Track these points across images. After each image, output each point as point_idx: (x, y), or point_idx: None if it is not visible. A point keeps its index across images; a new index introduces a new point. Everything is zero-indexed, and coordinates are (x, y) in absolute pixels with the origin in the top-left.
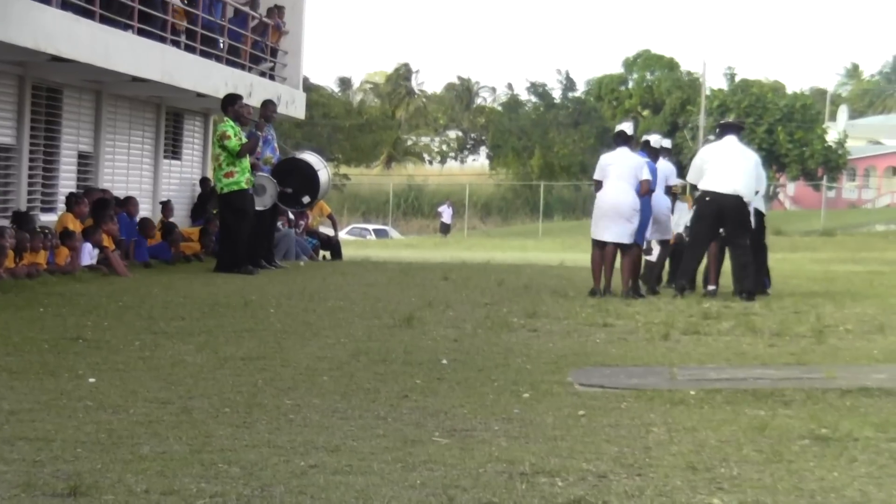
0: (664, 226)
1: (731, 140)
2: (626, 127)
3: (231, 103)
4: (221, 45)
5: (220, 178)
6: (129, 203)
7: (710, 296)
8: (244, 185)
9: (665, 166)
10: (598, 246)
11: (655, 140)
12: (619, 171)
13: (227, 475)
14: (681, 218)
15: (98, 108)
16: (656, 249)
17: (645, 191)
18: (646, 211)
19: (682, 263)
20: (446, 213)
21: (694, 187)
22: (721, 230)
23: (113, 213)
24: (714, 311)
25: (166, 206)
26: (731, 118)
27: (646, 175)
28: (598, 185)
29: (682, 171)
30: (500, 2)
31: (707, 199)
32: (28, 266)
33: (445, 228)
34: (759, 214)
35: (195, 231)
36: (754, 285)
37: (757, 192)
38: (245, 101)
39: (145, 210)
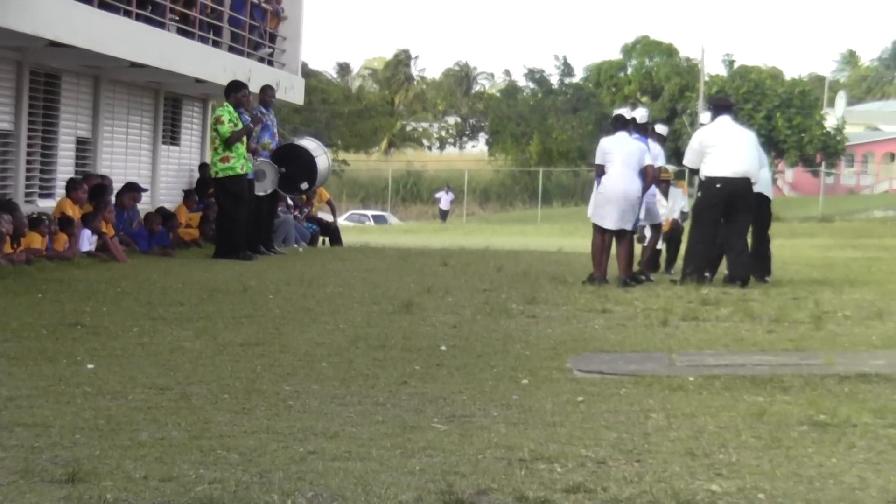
0: (653, 210)
1: (726, 120)
2: (624, 111)
3: (234, 90)
4: (221, 30)
5: (215, 162)
6: (123, 196)
7: (704, 282)
8: (239, 171)
9: (653, 147)
10: (600, 231)
11: (641, 115)
12: (622, 156)
13: (225, 461)
14: (675, 204)
15: (96, 94)
16: (648, 234)
17: (652, 178)
18: None
19: (689, 252)
20: (445, 199)
21: (691, 171)
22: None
23: (111, 199)
24: (713, 298)
25: (189, 196)
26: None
27: (649, 161)
28: (600, 169)
29: (681, 157)
30: None
31: (718, 185)
32: (26, 252)
33: (444, 214)
34: (764, 200)
35: (194, 217)
36: (748, 273)
37: (761, 169)
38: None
39: (144, 196)
